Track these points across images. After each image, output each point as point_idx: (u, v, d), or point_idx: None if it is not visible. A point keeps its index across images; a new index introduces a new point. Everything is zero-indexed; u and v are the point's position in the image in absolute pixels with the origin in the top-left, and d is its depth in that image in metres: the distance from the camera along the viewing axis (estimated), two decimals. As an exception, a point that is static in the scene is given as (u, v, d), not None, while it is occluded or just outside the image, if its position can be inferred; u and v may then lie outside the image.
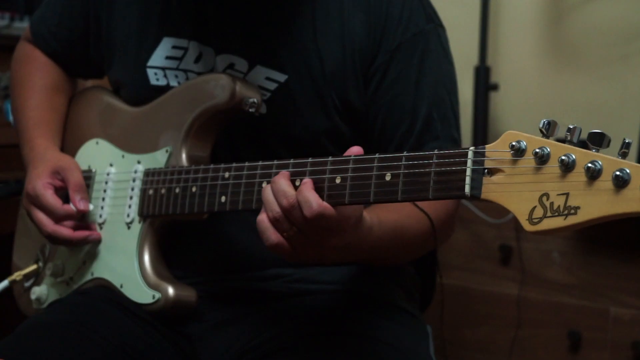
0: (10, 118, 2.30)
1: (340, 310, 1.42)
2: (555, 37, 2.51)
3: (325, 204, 1.11)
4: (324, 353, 1.28)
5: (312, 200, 1.11)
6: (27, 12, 2.29)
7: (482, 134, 2.51)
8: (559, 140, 0.96)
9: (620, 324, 2.30)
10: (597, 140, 0.92)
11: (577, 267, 2.38)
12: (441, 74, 1.44)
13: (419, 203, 1.35)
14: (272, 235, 1.15)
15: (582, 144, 0.94)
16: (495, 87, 2.54)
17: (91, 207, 1.48)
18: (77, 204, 1.45)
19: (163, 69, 1.49)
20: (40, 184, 1.45)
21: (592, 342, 2.34)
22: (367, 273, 1.47)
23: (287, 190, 1.14)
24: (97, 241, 1.48)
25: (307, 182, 1.14)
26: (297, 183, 1.17)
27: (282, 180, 1.16)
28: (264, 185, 1.21)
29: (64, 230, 1.44)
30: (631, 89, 2.38)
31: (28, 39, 1.71)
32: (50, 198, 1.44)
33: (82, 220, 1.50)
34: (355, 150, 1.15)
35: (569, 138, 0.94)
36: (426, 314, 1.64)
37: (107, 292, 1.44)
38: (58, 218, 1.44)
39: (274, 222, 1.15)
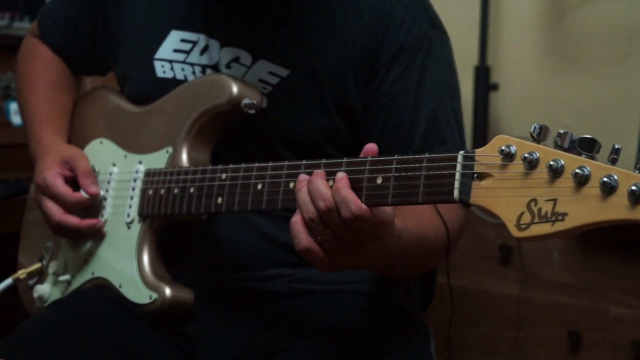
0: (10, 118, 2.32)
1: (340, 310, 1.41)
2: (555, 37, 2.50)
3: (363, 205, 1.05)
4: (325, 353, 1.28)
5: (351, 200, 1.05)
6: (27, 12, 2.31)
7: (482, 134, 2.51)
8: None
9: (620, 324, 2.29)
10: (588, 146, 0.90)
11: (577, 267, 2.37)
12: (443, 80, 1.44)
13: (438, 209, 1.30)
14: (304, 239, 1.09)
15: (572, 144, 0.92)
16: (495, 87, 2.54)
17: (102, 192, 1.50)
18: (88, 188, 1.46)
19: (170, 61, 1.50)
20: (50, 174, 1.46)
21: (592, 342, 2.34)
22: (367, 273, 1.46)
23: (324, 191, 1.08)
24: (101, 235, 1.49)
25: (343, 178, 1.08)
26: (291, 185, 1.17)
27: (319, 181, 1.09)
28: (291, 185, 1.18)
29: (72, 219, 1.45)
30: (631, 89, 2.37)
31: (35, 33, 1.72)
32: (61, 187, 1.45)
33: (87, 217, 1.50)
34: (370, 148, 1.12)
35: (559, 143, 0.93)
36: (426, 314, 1.64)
37: (107, 291, 1.45)
38: (69, 206, 1.45)
39: (309, 223, 1.08)
